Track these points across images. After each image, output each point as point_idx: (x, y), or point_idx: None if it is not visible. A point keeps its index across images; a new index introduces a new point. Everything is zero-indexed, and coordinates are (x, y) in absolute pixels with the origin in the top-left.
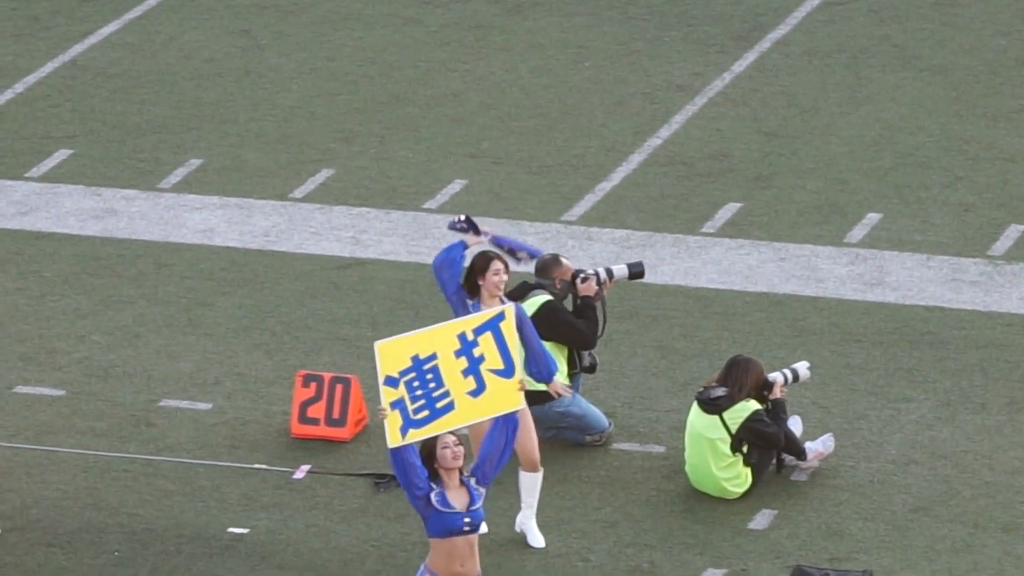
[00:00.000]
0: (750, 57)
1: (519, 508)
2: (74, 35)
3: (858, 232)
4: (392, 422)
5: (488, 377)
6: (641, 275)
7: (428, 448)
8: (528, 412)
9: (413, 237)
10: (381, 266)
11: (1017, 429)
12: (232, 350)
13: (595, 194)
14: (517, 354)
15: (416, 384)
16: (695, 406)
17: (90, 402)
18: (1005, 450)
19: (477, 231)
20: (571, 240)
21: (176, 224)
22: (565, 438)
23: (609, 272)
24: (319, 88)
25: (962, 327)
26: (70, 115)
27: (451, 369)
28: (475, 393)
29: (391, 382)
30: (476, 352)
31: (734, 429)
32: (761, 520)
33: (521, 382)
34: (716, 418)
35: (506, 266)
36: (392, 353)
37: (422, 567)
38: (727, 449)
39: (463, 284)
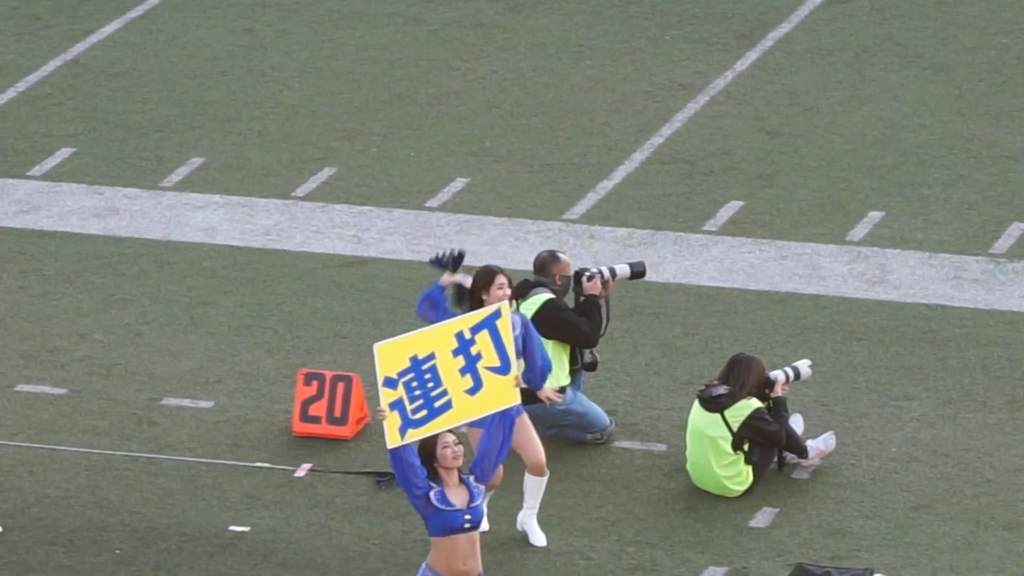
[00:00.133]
0: (752, 55)
1: (520, 507)
2: (76, 34)
3: (860, 230)
4: (391, 423)
5: (485, 375)
6: (643, 275)
7: (428, 448)
8: (527, 417)
9: (415, 236)
10: (383, 265)
11: (1018, 427)
12: (234, 348)
13: (597, 192)
14: (513, 351)
15: (415, 384)
16: (696, 404)
17: (92, 400)
18: (1006, 448)
19: (455, 268)
20: (573, 238)
21: (178, 223)
22: (566, 436)
23: (612, 271)
24: (321, 87)
25: (964, 325)
26: (72, 114)
27: (449, 368)
28: (472, 391)
29: (390, 383)
30: (473, 350)
31: (735, 427)
32: (762, 518)
33: (517, 378)
34: (717, 416)
35: (509, 280)
36: (391, 354)
37: (423, 566)
38: (728, 447)
39: (468, 301)
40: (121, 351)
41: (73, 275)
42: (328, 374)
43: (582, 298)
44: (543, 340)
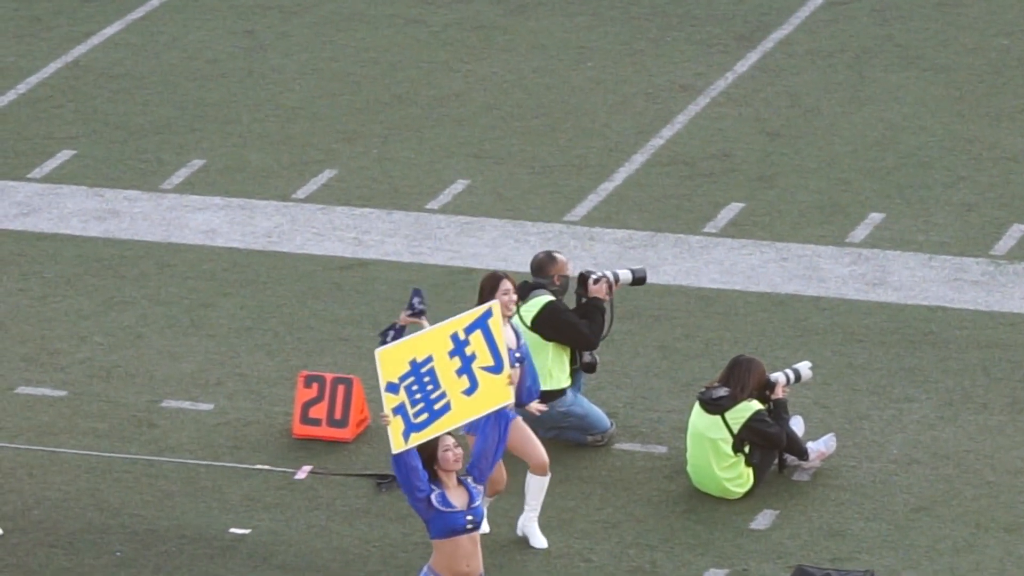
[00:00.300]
0: (753, 57)
1: (521, 509)
2: (76, 36)
3: (860, 232)
4: (395, 428)
5: (480, 375)
6: (643, 281)
7: (428, 451)
8: (521, 420)
9: (415, 238)
10: (383, 267)
11: (1019, 429)
12: (234, 351)
13: (597, 194)
14: (505, 350)
15: (415, 388)
16: (697, 406)
17: (92, 403)
18: (1007, 450)
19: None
20: (573, 240)
21: (178, 225)
22: (567, 438)
23: (615, 276)
24: (322, 88)
25: (964, 327)
26: (72, 116)
27: (446, 370)
28: (469, 392)
29: (392, 388)
30: (468, 351)
31: (736, 429)
32: (763, 520)
33: (510, 376)
34: (718, 418)
35: (515, 285)
36: (392, 359)
37: (425, 569)
38: (729, 449)
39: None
40: (121, 353)
41: (73, 277)
42: (328, 376)
43: (584, 300)
44: (544, 342)
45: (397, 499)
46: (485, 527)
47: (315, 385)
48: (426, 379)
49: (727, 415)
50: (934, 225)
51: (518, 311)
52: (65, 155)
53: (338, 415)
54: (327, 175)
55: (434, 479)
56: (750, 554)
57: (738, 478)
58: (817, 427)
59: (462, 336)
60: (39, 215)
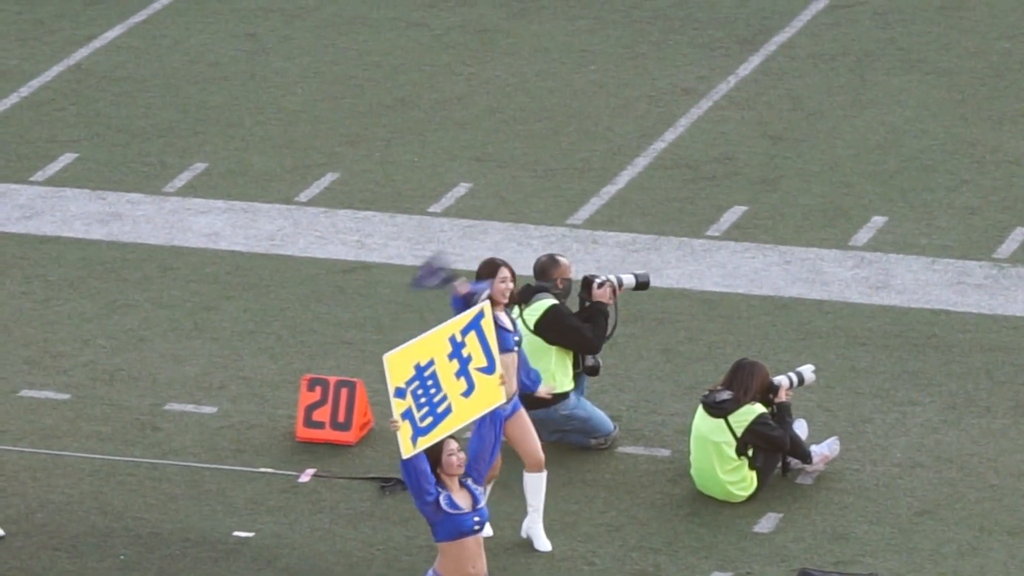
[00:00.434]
0: (755, 60)
1: (525, 512)
2: (79, 39)
3: (863, 235)
4: (404, 433)
5: (476, 376)
6: (647, 286)
7: (434, 455)
8: (524, 412)
9: (418, 241)
10: (386, 270)
11: (1023, 432)
12: (237, 354)
13: (600, 197)
14: (496, 350)
15: (420, 392)
16: (700, 409)
17: (95, 406)
18: (1011, 453)
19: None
20: (576, 244)
21: (181, 228)
22: (570, 441)
23: (619, 280)
24: (324, 92)
25: (967, 330)
26: (75, 119)
27: (446, 373)
28: (467, 393)
29: (400, 393)
30: (464, 353)
31: (739, 432)
32: (766, 524)
33: (501, 376)
34: (721, 421)
35: (512, 273)
36: (399, 364)
37: (430, 572)
38: (732, 453)
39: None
40: (124, 356)
41: (76, 280)
42: (332, 379)
43: (588, 303)
44: (547, 346)
45: (401, 502)
46: (488, 530)
47: (318, 388)
48: (429, 383)
49: (730, 418)
50: (937, 228)
51: (521, 315)
52: (68, 158)
53: (341, 418)
54: (330, 178)
55: (438, 482)
56: (753, 557)
57: (741, 481)
58: (820, 430)
59: (459, 338)
60: (42, 218)
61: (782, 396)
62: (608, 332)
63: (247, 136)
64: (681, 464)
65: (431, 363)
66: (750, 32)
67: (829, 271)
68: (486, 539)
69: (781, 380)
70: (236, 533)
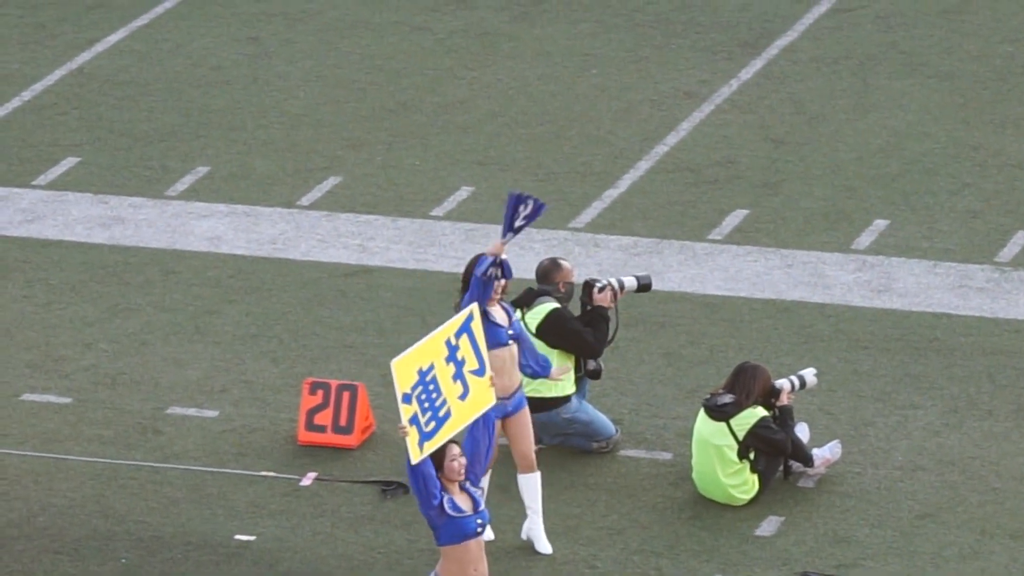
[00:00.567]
0: (757, 64)
1: (525, 515)
2: (81, 43)
3: (865, 239)
4: (412, 438)
5: (469, 379)
6: (648, 288)
7: (437, 460)
8: (528, 413)
9: (420, 245)
10: (388, 274)
11: None
12: (239, 357)
13: (602, 201)
14: (486, 353)
15: (423, 397)
16: (702, 413)
17: (97, 410)
18: (1012, 456)
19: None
20: (578, 247)
21: (183, 232)
22: (572, 445)
23: (620, 283)
24: (326, 95)
25: (969, 334)
26: (77, 123)
27: (445, 377)
28: (462, 397)
29: (407, 399)
30: (459, 356)
31: (741, 436)
32: (768, 527)
33: (491, 378)
34: (723, 425)
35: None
36: (405, 369)
37: (432, 575)
38: (734, 456)
39: (462, 289)
40: (126, 360)
41: (78, 284)
42: (333, 383)
43: (589, 307)
44: (549, 349)
45: (402, 506)
46: (489, 534)
47: (320, 392)
48: (431, 387)
49: (732, 422)
50: (939, 232)
51: (523, 318)
52: (70, 162)
53: (343, 422)
54: (332, 182)
55: (441, 486)
56: (755, 561)
57: (743, 485)
58: (822, 434)
59: (454, 341)
60: (44, 222)
61: (784, 399)
62: (610, 337)
63: (249, 140)
64: (683, 467)
65: (431, 368)
66: (752, 36)
67: (831, 274)
68: (488, 542)
69: (783, 383)
70: (238, 537)
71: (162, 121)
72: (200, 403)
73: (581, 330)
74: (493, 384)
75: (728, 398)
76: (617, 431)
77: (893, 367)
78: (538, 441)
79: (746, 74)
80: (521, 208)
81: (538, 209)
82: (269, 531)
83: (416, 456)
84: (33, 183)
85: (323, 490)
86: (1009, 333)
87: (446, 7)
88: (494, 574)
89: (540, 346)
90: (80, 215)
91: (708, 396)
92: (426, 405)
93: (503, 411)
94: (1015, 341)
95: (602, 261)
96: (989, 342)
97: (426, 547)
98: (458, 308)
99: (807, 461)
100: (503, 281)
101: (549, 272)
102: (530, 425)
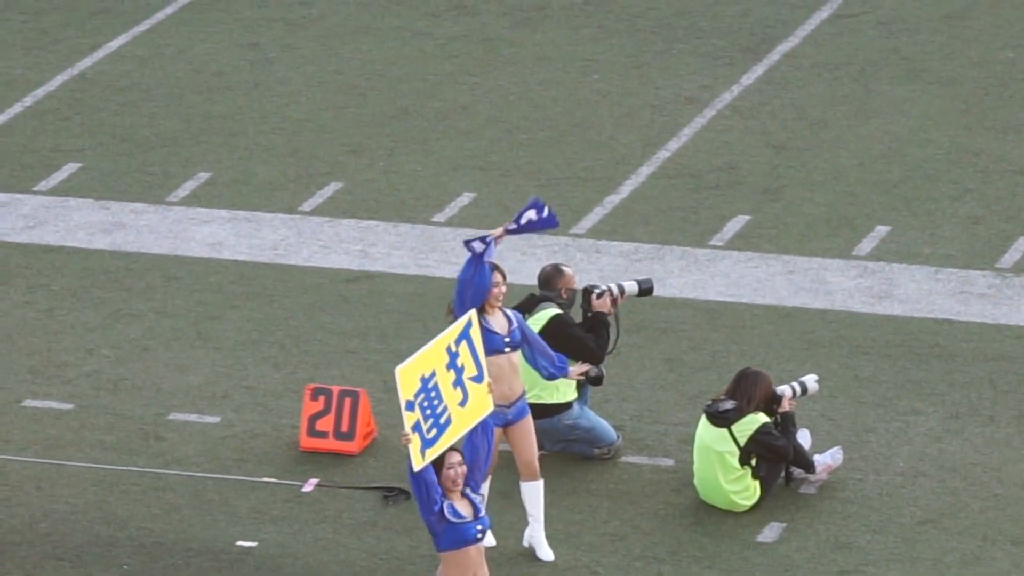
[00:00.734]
0: (759, 70)
1: (527, 522)
2: (83, 48)
3: (867, 245)
4: (414, 445)
5: (468, 386)
6: (650, 292)
7: (437, 466)
8: (531, 421)
9: (422, 250)
10: (390, 279)
11: None
12: (241, 363)
13: (603, 207)
14: (484, 359)
15: (425, 404)
16: (704, 419)
17: (99, 416)
18: (1014, 462)
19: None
20: (579, 253)
21: (185, 237)
22: (574, 451)
23: (621, 288)
24: (328, 101)
25: (971, 340)
26: (79, 128)
27: (446, 383)
28: (462, 403)
29: (410, 406)
30: (459, 363)
31: (743, 442)
32: (770, 533)
33: (489, 384)
34: (725, 431)
35: (504, 277)
36: (409, 377)
37: None
38: (736, 462)
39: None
40: (128, 366)
41: (80, 290)
42: (335, 389)
43: (590, 314)
44: None
45: (404, 512)
46: (491, 540)
47: (322, 398)
48: (433, 394)
49: (734, 428)
50: (940, 238)
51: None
52: (71, 168)
53: (345, 428)
54: (333, 188)
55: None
56: (757, 567)
57: (745, 491)
58: (824, 440)
59: (454, 348)
60: (45, 228)
61: (785, 406)
62: (612, 343)
63: (251, 145)
64: (684, 474)
65: (433, 375)
66: (753, 41)
67: (832, 280)
68: (489, 549)
69: (784, 390)
70: (239, 543)
71: (164, 127)
72: (202, 409)
73: (583, 336)
74: (491, 391)
75: (730, 404)
76: (619, 437)
77: (894, 373)
78: (540, 447)
79: (747, 80)
80: (535, 212)
81: (548, 220)
82: (271, 537)
83: (418, 463)
84: (35, 189)
85: (325, 496)
86: (1010, 339)
87: (447, 13)
88: None
89: None
90: (82, 221)
91: (710, 402)
92: (428, 412)
93: (503, 419)
94: (1016, 347)
95: (603, 267)
96: (990, 348)
97: (427, 553)
98: (451, 311)
99: (809, 467)
100: (503, 288)
101: (551, 278)
102: (533, 433)
